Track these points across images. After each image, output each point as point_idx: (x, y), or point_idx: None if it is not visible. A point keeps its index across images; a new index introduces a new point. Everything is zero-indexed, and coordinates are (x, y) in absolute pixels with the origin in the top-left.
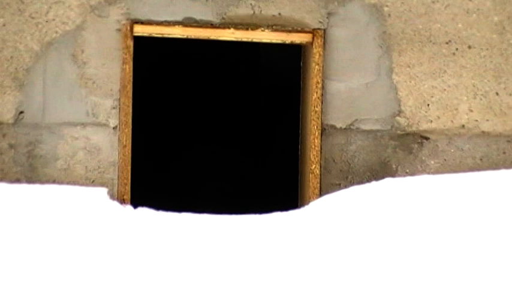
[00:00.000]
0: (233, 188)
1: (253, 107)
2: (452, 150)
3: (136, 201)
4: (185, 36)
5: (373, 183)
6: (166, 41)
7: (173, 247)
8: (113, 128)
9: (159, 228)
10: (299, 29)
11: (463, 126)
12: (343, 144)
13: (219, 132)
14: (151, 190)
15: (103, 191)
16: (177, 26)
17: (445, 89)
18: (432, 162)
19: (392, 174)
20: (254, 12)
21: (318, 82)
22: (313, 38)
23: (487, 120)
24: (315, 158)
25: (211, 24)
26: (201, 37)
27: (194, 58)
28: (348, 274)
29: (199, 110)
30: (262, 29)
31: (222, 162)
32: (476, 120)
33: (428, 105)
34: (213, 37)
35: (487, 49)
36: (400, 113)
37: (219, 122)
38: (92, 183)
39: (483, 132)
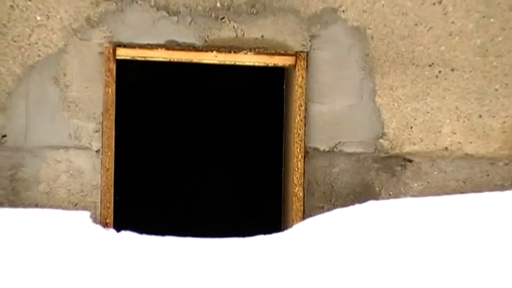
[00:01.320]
0: (216, 209)
1: (236, 129)
2: (435, 173)
3: (120, 224)
4: (168, 59)
5: (357, 205)
6: (149, 63)
7: (156, 272)
8: (96, 151)
9: (142, 253)
10: (282, 51)
11: (446, 148)
12: (326, 167)
13: (202, 153)
14: (135, 212)
15: (86, 215)
16: (159, 49)
17: (428, 112)
18: (415, 184)
19: (376, 196)
20: (237, 35)
21: (300, 105)
22: (296, 61)
23: (470, 142)
24: (298, 181)
25: (194, 47)
26: (183, 60)
27: (178, 79)
28: None
29: (182, 132)
30: (245, 51)
31: (205, 182)
32: (460, 143)
33: (411, 127)
34: (195, 60)
35: (470, 71)
36: (383, 135)
37: (201, 145)
38: (75, 206)
39: (466, 154)
